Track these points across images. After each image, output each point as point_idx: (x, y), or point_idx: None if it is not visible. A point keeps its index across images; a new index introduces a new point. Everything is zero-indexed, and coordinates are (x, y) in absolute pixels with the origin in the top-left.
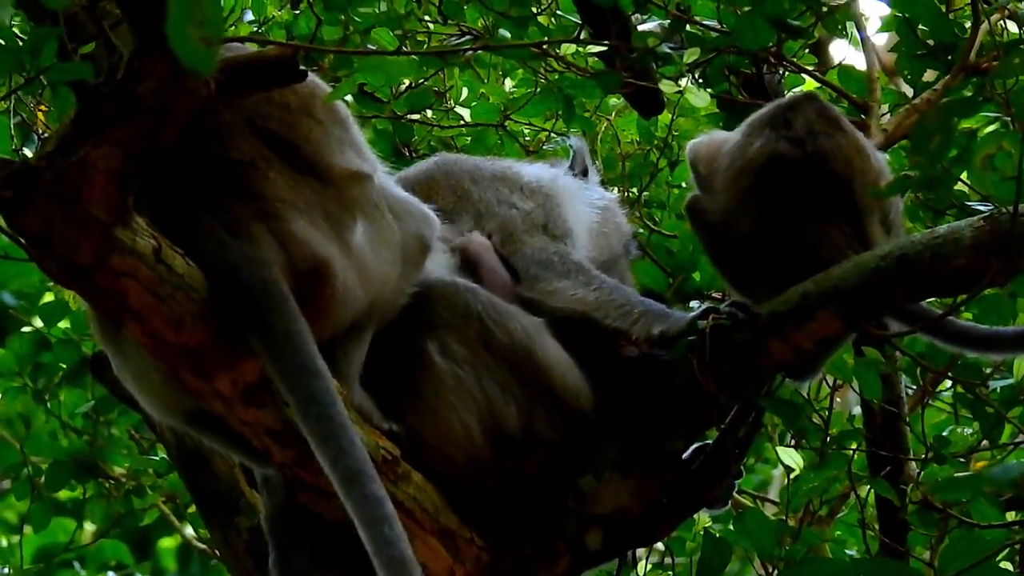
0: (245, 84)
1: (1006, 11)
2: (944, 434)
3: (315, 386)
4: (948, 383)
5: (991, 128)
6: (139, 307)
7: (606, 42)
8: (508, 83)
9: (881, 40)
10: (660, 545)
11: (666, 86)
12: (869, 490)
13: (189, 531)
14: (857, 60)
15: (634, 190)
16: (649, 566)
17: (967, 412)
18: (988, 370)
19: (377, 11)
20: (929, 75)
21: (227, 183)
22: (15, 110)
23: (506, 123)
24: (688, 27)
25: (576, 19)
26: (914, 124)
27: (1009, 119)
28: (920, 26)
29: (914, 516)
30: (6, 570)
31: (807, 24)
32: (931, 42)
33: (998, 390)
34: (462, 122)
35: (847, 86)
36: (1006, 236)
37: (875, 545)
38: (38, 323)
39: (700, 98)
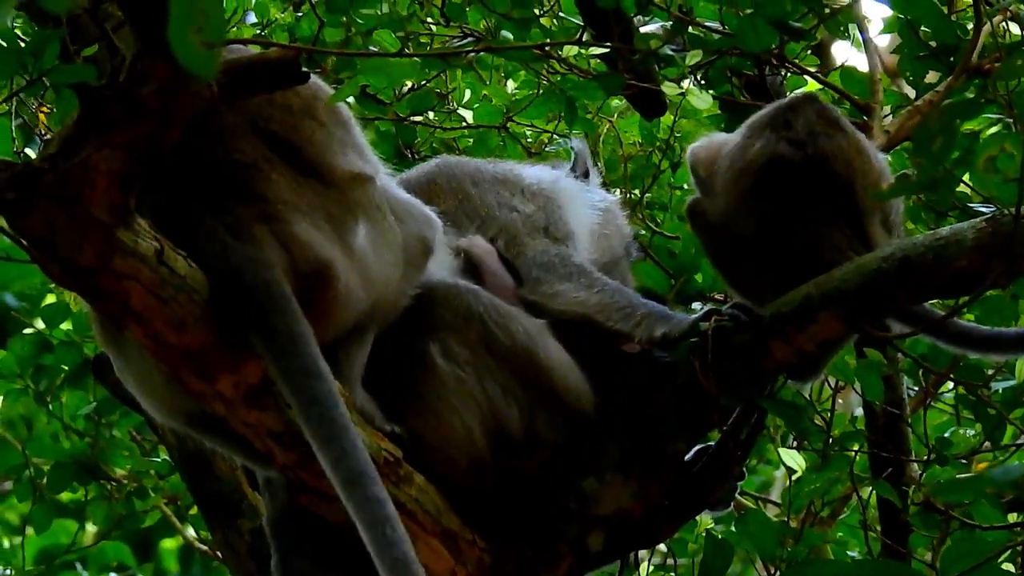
0: (247, 86)
1: (1008, 12)
2: (946, 435)
3: (317, 388)
4: (950, 384)
5: (993, 130)
6: (141, 309)
7: (608, 44)
8: (510, 85)
9: (883, 42)
10: (662, 546)
11: (668, 88)
12: (871, 491)
13: (191, 532)
14: (859, 62)
15: (636, 192)
16: (651, 567)
17: (969, 413)
18: (990, 371)
19: (379, 13)
20: (931, 77)
21: (229, 185)
22: (17, 112)
23: (508, 125)
24: (690, 29)
25: (578, 21)
26: (916, 126)
27: (1011, 121)
28: (922, 28)
29: (916, 518)
30: (8, 571)
31: (809, 26)
32: (933, 44)
33: (1000, 391)
34: (464, 124)
35: (849, 88)
36: (1008, 238)
37: (877, 546)
38: (40, 325)
39: (702, 100)
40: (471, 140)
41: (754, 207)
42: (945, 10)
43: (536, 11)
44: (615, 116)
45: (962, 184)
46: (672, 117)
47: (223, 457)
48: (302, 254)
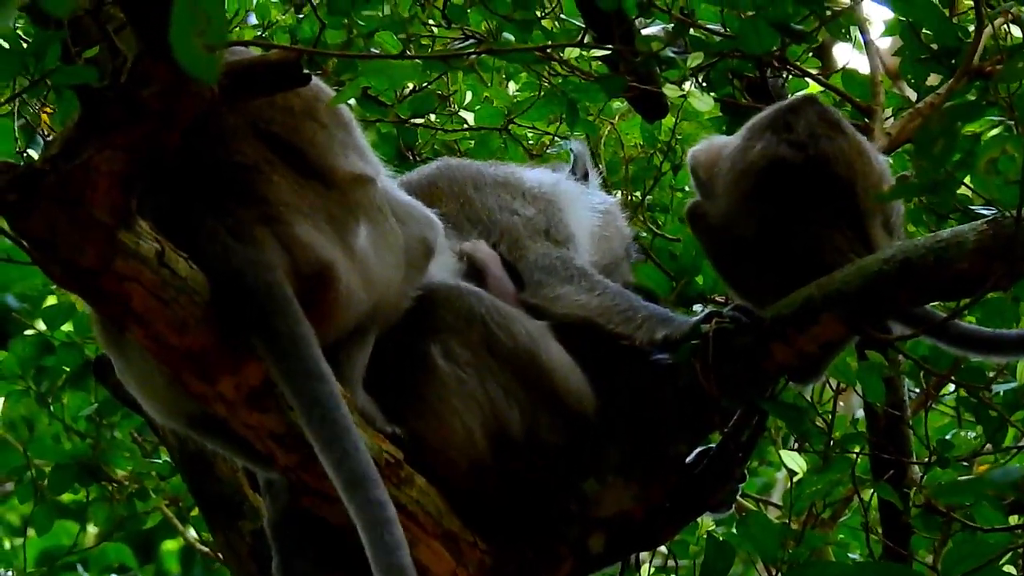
0: (249, 88)
1: (1010, 15)
2: (947, 437)
3: (319, 389)
4: (951, 386)
5: (995, 132)
6: (142, 311)
7: (610, 46)
8: (512, 87)
9: (884, 44)
10: (663, 548)
11: (670, 90)
12: (872, 493)
13: (192, 534)
14: (860, 64)
15: (637, 194)
16: (652, 569)
17: (970, 415)
18: (991, 373)
19: (381, 15)
20: (932, 79)
21: (231, 187)
22: (19, 112)
23: (510, 127)
24: (692, 31)
25: (580, 23)
26: (917, 128)
27: (1013, 123)
28: (923, 30)
29: (917, 520)
30: (9, 573)
31: (811, 28)
32: (935, 46)
33: (1001, 393)
34: (466, 126)
35: (851, 90)
36: (1009, 240)
37: (878, 548)
38: (41, 326)
39: (704, 102)
40: (472, 142)
41: (755, 209)
42: (946, 12)
43: (537, 13)
44: (616, 118)
45: (963, 186)
46: (673, 119)
47: (224, 459)
48: (303, 256)
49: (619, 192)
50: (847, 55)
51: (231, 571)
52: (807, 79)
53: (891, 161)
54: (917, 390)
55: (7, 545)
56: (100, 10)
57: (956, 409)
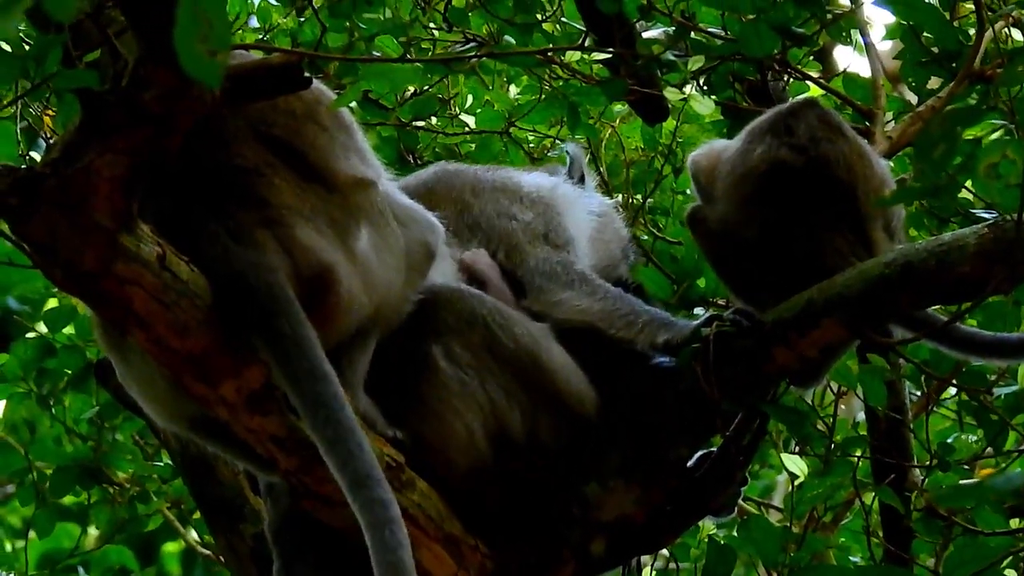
0: (250, 91)
1: (1011, 18)
2: (948, 441)
3: (323, 390)
4: (952, 390)
5: (995, 136)
6: (144, 314)
7: (611, 49)
8: (513, 90)
9: (885, 47)
10: (664, 552)
11: (670, 93)
12: (873, 497)
13: (193, 536)
14: (861, 67)
15: (638, 197)
16: (653, 573)
17: (971, 419)
18: (993, 377)
19: (382, 18)
20: (933, 82)
21: (232, 190)
22: (21, 115)
23: (511, 130)
24: (693, 34)
25: (581, 26)
26: (918, 132)
27: (1013, 127)
28: (924, 33)
29: (918, 523)
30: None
31: (812, 31)
32: (935, 49)
33: (1002, 397)
34: (467, 129)
35: (851, 93)
36: (1010, 244)
37: (879, 552)
38: (43, 329)
39: (704, 105)
40: (473, 145)
41: (756, 213)
42: (947, 16)
43: (538, 16)
44: (617, 121)
45: (964, 190)
46: (674, 122)
47: (225, 462)
48: (305, 259)
49: (620, 195)
50: (848, 58)
51: (232, 574)
52: (808, 82)
53: (892, 165)
54: (918, 393)
55: (8, 547)
56: (101, 13)
57: (957, 413)
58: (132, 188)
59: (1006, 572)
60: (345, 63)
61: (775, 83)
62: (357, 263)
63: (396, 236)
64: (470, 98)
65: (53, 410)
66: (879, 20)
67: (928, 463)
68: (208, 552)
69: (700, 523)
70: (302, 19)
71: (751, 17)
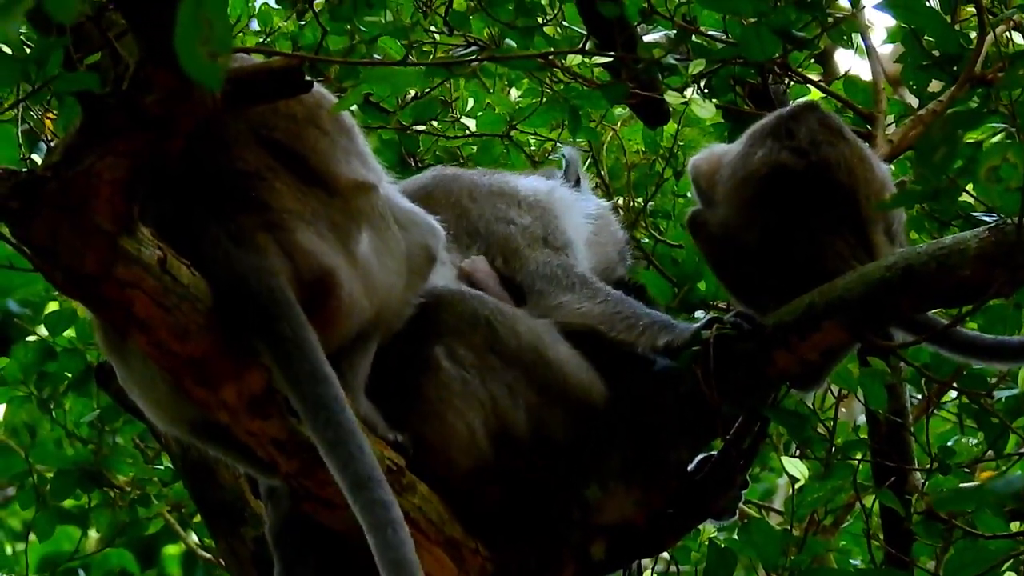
0: (251, 95)
1: (1012, 22)
2: (949, 444)
3: (324, 393)
4: (953, 393)
5: (996, 139)
6: (144, 317)
7: (612, 53)
8: (514, 93)
9: (886, 50)
10: (665, 555)
11: (672, 97)
12: (874, 500)
13: (194, 539)
14: (862, 70)
15: (639, 200)
16: None
17: (972, 422)
18: (993, 380)
19: (383, 21)
20: (934, 86)
21: (233, 193)
22: (22, 118)
23: (512, 133)
24: (694, 38)
25: (582, 30)
26: (919, 135)
27: (1014, 130)
28: (926, 37)
29: (919, 526)
30: None
31: (813, 35)
32: (936, 53)
33: (1003, 400)
34: (468, 132)
35: (852, 96)
36: (1011, 247)
37: (880, 555)
38: (43, 332)
39: (706, 109)
40: (474, 148)
41: (757, 216)
42: (948, 19)
43: (540, 20)
44: (618, 125)
45: (965, 193)
46: (675, 126)
47: (226, 466)
48: (305, 262)
49: (621, 198)
50: (849, 62)
51: None
52: (809, 86)
53: (893, 168)
54: (919, 397)
55: (9, 550)
56: (102, 16)
57: (958, 416)
58: (133, 191)
59: (1006, 575)
60: (346, 66)
61: (776, 86)
62: (358, 267)
63: (397, 240)
64: (471, 101)
65: (54, 413)
66: (880, 23)
67: (929, 466)
68: (209, 555)
69: (701, 526)
70: (303, 22)
71: (752, 20)
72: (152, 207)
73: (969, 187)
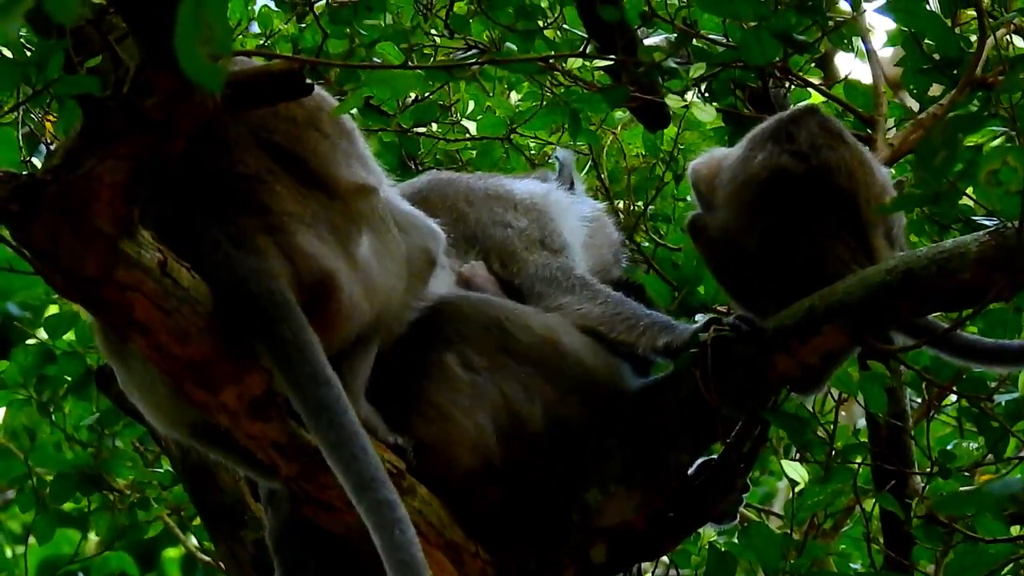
0: (251, 98)
1: (1012, 25)
2: (949, 448)
3: (326, 394)
4: (953, 397)
5: (996, 143)
6: (145, 320)
7: (612, 56)
8: (514, 96)
9: (887, 54)
10: (665, 558)
11: (672, 100)
12: (874, 504)
13: (193, 542)
14: (863, 74)
15: (640, 203)
16: None
17: (972, 426)
18: (993, 384)
19: (383, 24)
20: (935, 89)
21: (233, 196)
22: (23, 120)
23: (512, 136)
24: (694, 41)
25: (582, 33)
26: (920, 139)
27: (1015, 134)
28: (926, 40)
29: (919, 530)
30: None
31: (813, 38)
32: (937, 56)
33: (1003, 404)
34: (468, 135)
35: (853, 100)
36: (1011, 251)
37: (880, 559)
38: (43, 335)
39: (706, 112)
40: (474, 152)
41: (757, 220)
42: (949, 23)
43: (540, 23)
44: (619, 128)
45: (965, 197)
46: (676, 129)
47: (226, 469)
48: (306, 265)
49: (621, 202)
50: (849, 65)
51: None
52: (809, 89)
53: (893, 171)
54: (919, 400)
55: (9, 553)
56: (102, 19)
57: (958, 419)
58: (133, 194)
59: None
60: (346, 69)
61: (776, 90)
62: (358, 270)
63: (397, 243)
64: (471, 104)
65: (53, 416)
66: (880, 27)
67: (929, 470)
68: (208, 559)
69: (701, 530)
70: (303, 25)
71: (753, 24)
72: (152, 209)
73: (969, 191)
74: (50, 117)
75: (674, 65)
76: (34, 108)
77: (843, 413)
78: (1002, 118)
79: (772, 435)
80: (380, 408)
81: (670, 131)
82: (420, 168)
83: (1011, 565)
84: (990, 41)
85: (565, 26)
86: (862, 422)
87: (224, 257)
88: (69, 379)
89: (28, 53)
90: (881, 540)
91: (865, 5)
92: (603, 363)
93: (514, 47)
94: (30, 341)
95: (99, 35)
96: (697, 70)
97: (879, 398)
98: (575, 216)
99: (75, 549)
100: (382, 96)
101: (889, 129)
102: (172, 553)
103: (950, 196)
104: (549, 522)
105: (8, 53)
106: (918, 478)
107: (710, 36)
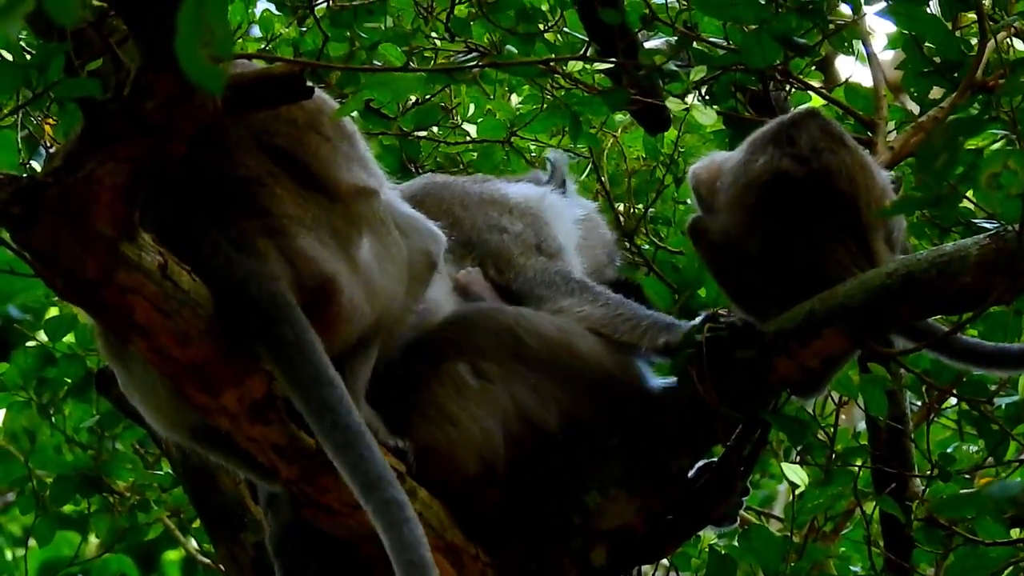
0: (252, 101)
1: (1013, 29)
2: (949, 451)
3: (329, 395)
4: (953, 400)
5: (997, 146)
6: (145, 323)
7: (613, 59)
8: (515, 99)
9: (887, 57)
10: (665, 561)
11: (672, 103)
12: (874, 507)
13: (193, 545)
14: (863, 77)
15: (640, 206)
16: None
17: (972, 429)
18: (993, 387)
19: (384, 27)
20: (935, 93)
21: (234, 199)
22: (23, 123)
23: (512, 139)
24: (695, 44)
25: (583, 36)
26: (920, 142)
27: (1015, 137)
28: (927, 43)
29: (919, 533)
30: None
31: (814, 41)
32: (937, 59)
33: (1003, 407)
34: (468, 138)
35: (853, 103)
36: (1012, 254)
37: (880, 562)
38: (43, 337)
39: (707, 115)
40: (475, 154)
41: (758, 223)
42: (950, 26)
43: (541, 26)
44: (619, 131)
45: (965, 200)
46: (676, 132)
47: (227, 471)
48: (306, 268)
49: (622, 205)
50: (850, 68)
51: None
52: (810, 92)
53: (894, 174)
54: (919, 403)
55: (9, 556)
56: (103, 22)
57: (958, 422)
58: (134, 197)
59: None
60: (347, 72)
61: (777, 93)
62: (359, 272)
63: (398, 245)
64: (472, 107)
65: (53, 419)
66: (881, 30)
67: (929, 473)
68: (208, 561)
69: (701, 533)
70: (304, 28)
71: (753, 27)
72: (153, 212)
73: (970, 194)
74: (50, 120)
75: (675, 68)
76: (34, 111)
77: (843, 416)
78: (1003, 121)
79: (772, 438)
80: (381, 411)
81: (671, 134)
82: (421, 171)
83: (1011, 568)
84: (991, 44)
85: (566, 29)
86: (862, 425)
87: (225, 260)
88: (69, 381)
89: (29, 56)
90: (881, 543)
91: (866, 8)
92: (619, 363)
93: (515, 50)
94: (30, 343)
95: (100, 37)
96: (698, 73)
97: (879, 401)
98: (569, 219)
99: (75, 551)
100: (383, 99)
101: (890, 132)
102: (172, 555)
103: (950, 199)
104: (549, 525)
105: (8, 56)
106: (918, 481)
107: (711, 39)
